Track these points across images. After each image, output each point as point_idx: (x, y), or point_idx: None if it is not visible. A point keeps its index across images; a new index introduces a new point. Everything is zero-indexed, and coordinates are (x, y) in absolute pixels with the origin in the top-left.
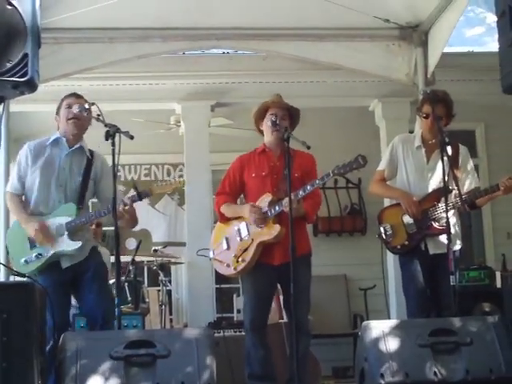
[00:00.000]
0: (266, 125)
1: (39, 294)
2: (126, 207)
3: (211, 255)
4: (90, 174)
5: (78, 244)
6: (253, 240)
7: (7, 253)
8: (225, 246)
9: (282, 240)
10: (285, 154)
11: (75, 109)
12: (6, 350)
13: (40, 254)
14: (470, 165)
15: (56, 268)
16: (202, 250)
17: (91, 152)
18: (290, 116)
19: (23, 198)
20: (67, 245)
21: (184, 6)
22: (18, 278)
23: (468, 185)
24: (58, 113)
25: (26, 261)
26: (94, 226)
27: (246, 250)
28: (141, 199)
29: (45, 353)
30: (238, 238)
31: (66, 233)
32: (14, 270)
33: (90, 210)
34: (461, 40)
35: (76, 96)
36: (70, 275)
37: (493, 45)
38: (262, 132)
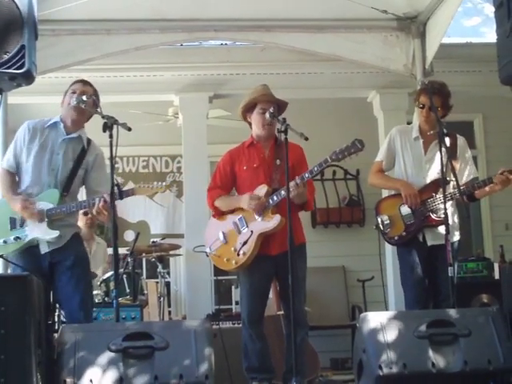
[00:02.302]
0: (257, 119)
1: (37, 287)
2: (106, 203)
3: (208, 251)
4: (81, 162)
5: (55, 233)
6: (252, 232)
7: None
8: (222, 240)
9: (280, 230)
10: (275, 146)
11: (73, 101)
12: (3, 343)
13: (18, 237)
14: (468, 155)
15: (35, 252)
16: (199, 247)
17: (88, 141)
18: (277, 109)
19: (16, 176)
20: (45, 233)
21: None
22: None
23: (466, 175)
24: (64, 95)
25: (4, 241)
26: (89, 215)
27: (245, 242)
28: (121, 198)
29: (42, 345)
30: (236, 232)
31: (46, 220)
32: None
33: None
34: (458, 30)
35: (83, 83)
36: (48, 261)
37: (490, 35)
38: (249, 123)
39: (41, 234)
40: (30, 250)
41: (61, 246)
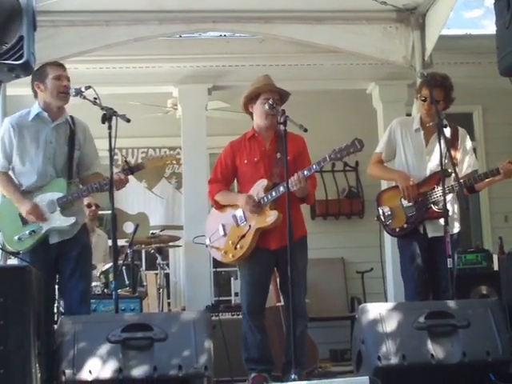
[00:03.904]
0: (260, 109)
1: (36, 278)
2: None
3: (207, 242)
4: (74, 144)
5: (72, 220)
6: (250, 226)
7: None
8: (221, 232)
9: (279, 225)
10: (276, 138)
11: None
12: (2, 334)
13: (33, 231)
14: (469, 147)
15: (43, 244)
16: (199, 237)
17: (72, 119)
18: (280, 99)
19: (12, 174)
20: (61, 221)
21: None
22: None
23: (466, 167)
24: (41, 80)
25: (19, 238)
26: (93, 207)
27: (243, 236)
28: (133, 173)
29: (41, 337)
30: (235, 225)
31: (59, 209)
32: (7, 248)
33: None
34: (459, 22)
35: (63, 68)
36: (55, 251)
37: (491, 28)
38: (251, 114)
39: (58, 222)
40: (39, 243)
41: (69, 239)
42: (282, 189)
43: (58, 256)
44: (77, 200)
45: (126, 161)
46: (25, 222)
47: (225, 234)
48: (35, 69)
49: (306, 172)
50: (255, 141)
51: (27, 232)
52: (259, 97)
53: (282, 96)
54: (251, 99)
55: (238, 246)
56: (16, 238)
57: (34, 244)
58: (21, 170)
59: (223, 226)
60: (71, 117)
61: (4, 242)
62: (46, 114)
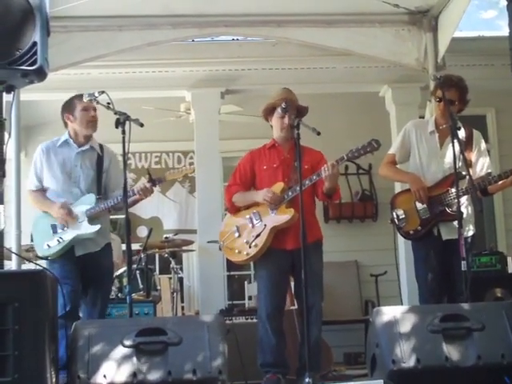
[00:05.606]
0: (276, 122)
1: (50, 283)
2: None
3: (221, 244)
4: (102, 168)
5: (97, 227)
6: (265, 225)
7: (31, 241)
8: (236, 234)
9: (295, 225)
10: (295, 148)
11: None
12: (17, 339)
13: (61, 238)
14: (484, 149)
15: (70, 255)
16: (212, 242)
17: (101, 147)
18: (297, 112)
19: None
20: (86, 228)
21: None
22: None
23: (480, 169)
24: (70, 112)
25: (48, 245)
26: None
27: (258, 235)
28: (155, 185)
29: (56, 341)
30: (250, 225)
31: (86, 219)
32: (38, 254)
33: None
34: (474, 23)
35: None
36: (82, 264)
37: (506, 28)
38: (271, 125)
39: (83, 230)
40: (67, 254)
41: (94, 253)
42: (298, 188)
43: (85, 270)
44: (103, 213)
45: (149, 173)
46: (55, 230)
47: (239, 235)
48: (65, 100)
49: (322, 172)
50: (275, 150)
51: (55, 239)
52: (275, 110)
53: (299, 110)
54: (268, 112)
55: (253, 244)
56: (45, 245)
57: (60, 251)
58: (50, 190)
59: (237, 227)
60: (100, 145)
61: (36, 249)
62: (72, 141)
